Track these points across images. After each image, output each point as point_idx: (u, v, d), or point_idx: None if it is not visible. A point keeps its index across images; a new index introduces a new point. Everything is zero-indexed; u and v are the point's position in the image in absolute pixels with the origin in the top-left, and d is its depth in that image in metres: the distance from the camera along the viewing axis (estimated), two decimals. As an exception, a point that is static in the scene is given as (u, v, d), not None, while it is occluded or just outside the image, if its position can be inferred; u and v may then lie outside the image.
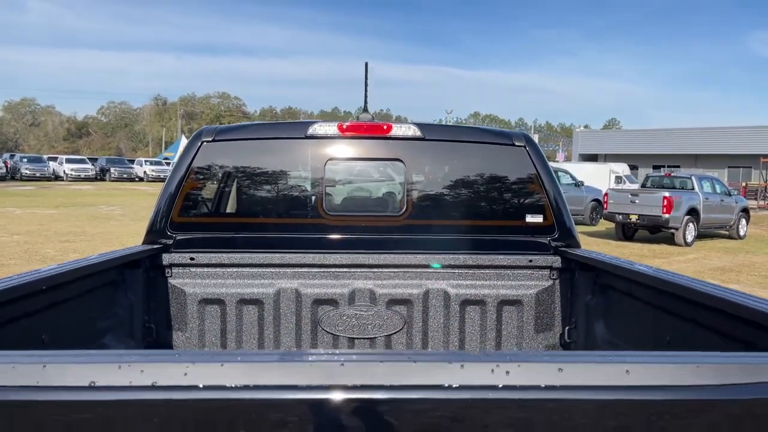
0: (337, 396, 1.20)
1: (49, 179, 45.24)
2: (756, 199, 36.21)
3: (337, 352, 1.30)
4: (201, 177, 3.60)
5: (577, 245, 3.64)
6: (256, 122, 4.77)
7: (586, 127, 73.01)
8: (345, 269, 3.53)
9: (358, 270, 3.54)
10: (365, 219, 3.71)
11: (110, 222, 19.10)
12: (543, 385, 1.21)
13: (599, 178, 28.34)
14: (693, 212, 17.33)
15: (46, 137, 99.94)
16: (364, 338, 3.50)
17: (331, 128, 3.57)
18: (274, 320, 3.49)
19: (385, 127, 3.59)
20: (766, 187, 37.87)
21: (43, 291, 2.30)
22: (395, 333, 3.52)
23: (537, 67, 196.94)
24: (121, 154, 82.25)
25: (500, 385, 1.21)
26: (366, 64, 3.94)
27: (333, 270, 3.53)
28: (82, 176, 47.42)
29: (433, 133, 3.62)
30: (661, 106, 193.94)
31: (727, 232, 19.24)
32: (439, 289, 3.55)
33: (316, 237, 3.58)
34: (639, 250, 15.99)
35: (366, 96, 3.92)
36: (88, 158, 54.92)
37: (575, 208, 21.08)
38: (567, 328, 3.54)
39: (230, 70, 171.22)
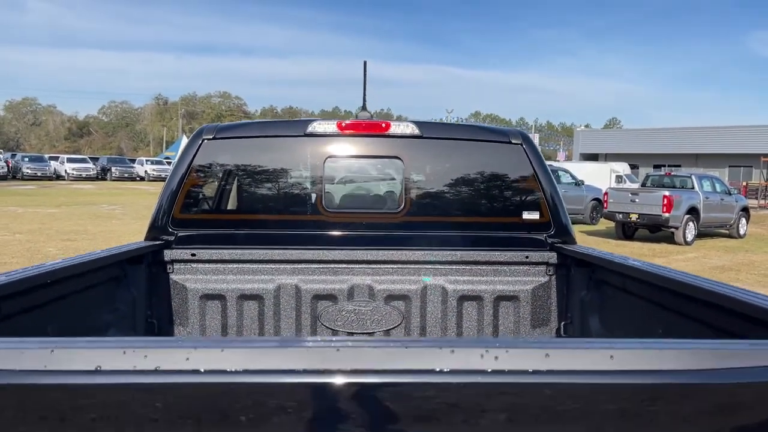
0: (332, 379, 1.25)
1: (50, 178, 45.32)
2: (756, 198, 36.21)
3: (334, 339, 1.36)
4: (202, 174, 3.65)
5: (573, 242, 3.69)
6: (256, 120, 4.82)
7: (586, 126, 73.00)
8: (344, 265, 3.58)
9: (357, 266, 3.59)
10: (364, 216, 3.76)
11: (112, 221, 19.16)
12: (531, 370, 1.26)
13: (600, 177, 28.39)
14: (693, 211, 17.36)
15: (48, 137, 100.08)
16: (362, 333, 3.55)
17: (330, 126, 3.61)
18: (275, 315, 3.55)
19: (383, 125, 3.64)
20: (766, 186, 37.86)
21: (48, 284, 2.35)
22: (393, 328, 3.57)
23: (537, 66, 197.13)
24: (122, 154, 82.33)
25: (489, 370, 1.25)
26: (365, 63, 3.99)
27: (332, 266, 3.58)
28: (84, 175, 47.50)
29: (430, 131, 3.67)
30: (661, 105, 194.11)
31: (727, 231, 19.26)
32: (437, 285, 3.60)
33: (316, 233, 3.63)
34: (639, 249, 16.02)
35: (365, 94, 3.96)
36: (89, 158, 54.97)
37: (576, 207, 21.13)
38: (563, 323, 3.59)
39: (231, 70, 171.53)
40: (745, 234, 19.40)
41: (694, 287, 2.28)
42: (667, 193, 16.99)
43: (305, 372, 1.25)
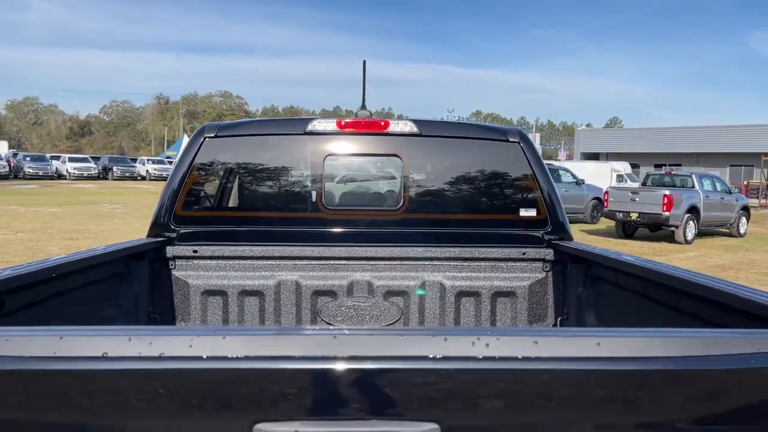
0: (330, 366, 1.30)
1: (52, 178, 45.41)
2: (758, 197, 36.22)
3: (331, 327, 1.41)
4: (203, 172, 3.70)
5: (570, 238, 3.73)
6: (257, 119, 4.87)
7: (587, 125, 73.03)
8: (344, 262, 3.63)
9: (357, 262, 3.64)
10: (363, 213, 3.81)
11: (113, 220, 19.23)
12: (520, 356, 1.31)
13: (601, 176, 28.45)
14: (693, 210, 17.39)
15: (49, 136, 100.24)
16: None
17: (329, 125, 3.66)
18: (275, 311, 3.60)
19: (382, 123, 3.68)
20: (767, 185, 37.87)
21: (53, 279, 2.40)
22: (392, 323, 3.62)
23: (538, 66, 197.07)
24: (124, 153, 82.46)
25: (480, 356, 1.31)
26: (364, 63, 4.04)
27: (332, 262, 3.63)
28: (85, 175, 47.62)
29: (429, 129, 3.72)
30: (662, 105, 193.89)
31: (727, 230, 19.30)
32: (435, 281, 3.65)
33: (316, 230, 3.68)
34: (639, 248, 16.06)
35: (364, 93, 4.01)
36: (90, 157, 55.08)
37: (576, 206, 21.18)
38: (559, 318, 3.63)
39: (232, 70, 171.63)
40: (745, 233, 19.43)
41: (687, 282, 2.33)
42: (667, 192, 17.01)
43: (303, 359, 1.30)
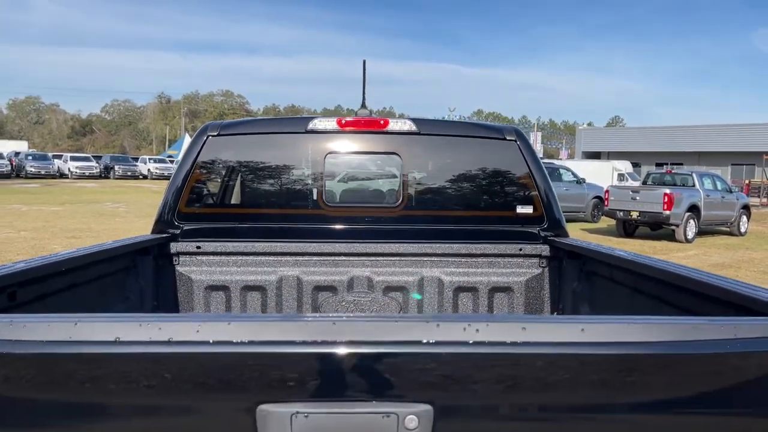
0: (328, 350, 1.38)
1: (53, 177, 45.52)
2: (759, 196, 36.25)
3: (330, 314, 1.49)
4: (206, 170, 3.78)
5: (566, 234, 3.81)
6: (259, 118, 4.94)
7: (589, 124, 73.15)
8: (344, 257, 3.71)
9: (357, 258, 3.71)
10: (363, 210, 3.88)
11: (115, 219, 19.32)
12: (509, 341, 1.39)
13: (602, 175, 28.50)
14: (694, 209, 17.44)
15: (51, 135, 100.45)
16: None
17: (330, 123, 3.74)
18: (277, 306, 3.68)
19: (382, 122, 3.76)
20: (768, 184, 37.90)
21: (62, 273, 2.48)
22: None
23: (539, 64, 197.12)
24: (125, 152, 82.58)
25: (471, 341, 1.39)
26: (364, 62, 4.11)
27: (332, 258, 3.71)
28: (87, 174, 47.75)
29: (427, 128, 3.79)
30: (664, 103, 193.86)
31: (728, 229, 19.35)
32: (434, 277, 3.73)
33: (317, 227, 3.76)
34: (640, 246, 16.11)
35: (364, 92, 4.09)
36: (92, 156, 55.22)
37: (577, 205, 21.25)
38: (555, 312, 3.71)
39: (233, 69, 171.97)
40: (746, 232, 19.48)
41: (676, 275, 2.40)
42: (667, 191, 17.07)
43: (304, 343, 1.38)
